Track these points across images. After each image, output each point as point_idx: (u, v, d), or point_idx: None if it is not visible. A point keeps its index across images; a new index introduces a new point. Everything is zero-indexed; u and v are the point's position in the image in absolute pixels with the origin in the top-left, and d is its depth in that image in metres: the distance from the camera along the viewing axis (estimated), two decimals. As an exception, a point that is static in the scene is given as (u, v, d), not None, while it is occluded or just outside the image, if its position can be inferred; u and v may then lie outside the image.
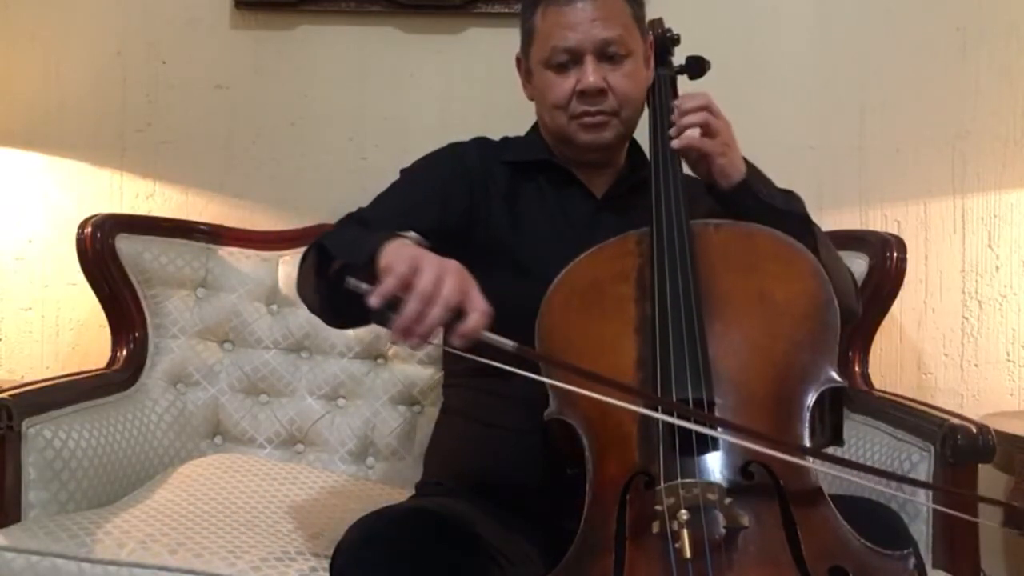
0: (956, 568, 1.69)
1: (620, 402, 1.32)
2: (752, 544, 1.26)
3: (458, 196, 1.70)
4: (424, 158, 1.79)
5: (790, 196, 1.70)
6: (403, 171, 1.79)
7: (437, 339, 1.25)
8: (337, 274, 1.37)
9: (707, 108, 1.62)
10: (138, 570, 1.69)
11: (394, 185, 1.76)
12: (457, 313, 1.23)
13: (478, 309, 1.23)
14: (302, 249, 2.26)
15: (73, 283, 2.40)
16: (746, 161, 1.66)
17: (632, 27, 1.68)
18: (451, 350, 1.24)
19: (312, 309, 1.57)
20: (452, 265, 1.26)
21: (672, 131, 1.63)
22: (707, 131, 1.61)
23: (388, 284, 1.22)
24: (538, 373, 1.37)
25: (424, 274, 1.23)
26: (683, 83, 1.81)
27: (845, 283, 1.68)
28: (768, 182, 1.69)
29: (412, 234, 1.39)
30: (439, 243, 1.62)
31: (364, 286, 1.22)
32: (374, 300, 1.22)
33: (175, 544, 1.72)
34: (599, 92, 1.64)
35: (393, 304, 1.22)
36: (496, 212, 1.71)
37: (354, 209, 2.20)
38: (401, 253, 1.28)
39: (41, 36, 2.50)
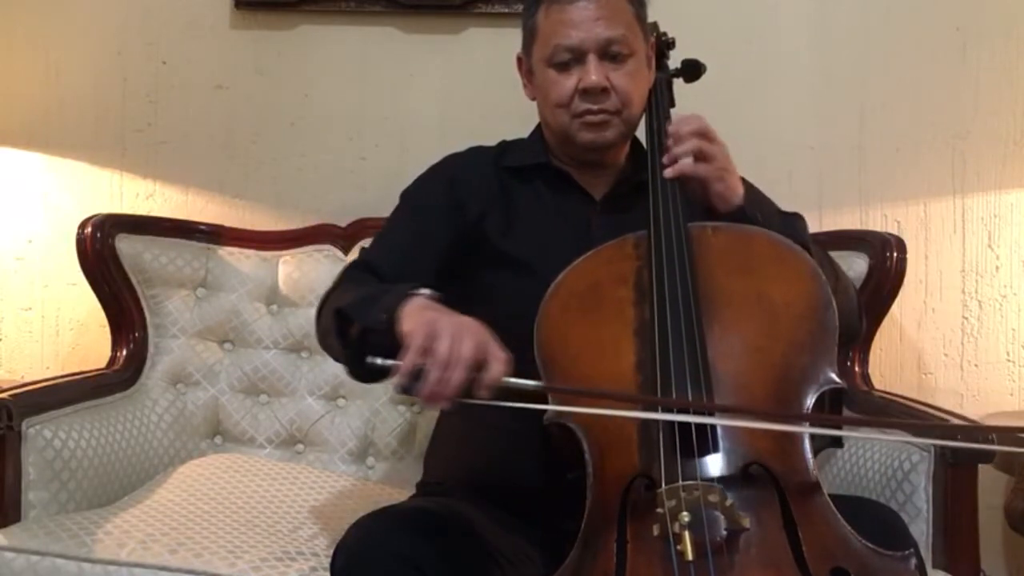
0: (956, 568, 1.69)
1: (626, 412, 1.33)
2: (754, 546, 1.26)
3: (457, 215, 1.72)
4: (420, 181, 1.80)
5: (792, 220, 1.69)
6: (403, 196, 1.80)
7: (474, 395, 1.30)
8: (359, 337, 1.43)
9: (700, 133, 1.59)
10: (138, 570, 1.69)
11: (394, 219, 1.79)
12: (478, 366, 1.27)
13: (498, 359, 1.28)
14: (302, 249, 2.31)
15: (73, 283, 2.40)
16: (747, 184, 1.65)
17: (635, 27, 1.67)
18: (480, 403, 1.28)
19: (340, 361, 1.60)
20: (467, 323, 1.30)
21: (665, 159, 1.60)
22: (701, 157, 1.58)
23: (408, 360, 1.27)
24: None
25: (442, 340, 1.27)
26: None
27: (848, 302, 1.66)
28: (768, 205, 1.67)
29: (425, 291, 1.42)
30: (450, 265, 1.68)
31: (388, 363, 1.28)
32: (398, 379, 1.27)
33: (175, 544, 1.72)
34: (602, 91, 1.64)
35: (417, 373, 1.27)
36: (494, 219, 1.71)
37: (354, 205, 2.20)
38: (418, 319, 1.32)
39: (41, 36, 2.49)
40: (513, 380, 1.29)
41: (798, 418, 1.39)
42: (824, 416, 1.43)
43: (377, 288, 1.50)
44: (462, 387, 1.26)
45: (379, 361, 1.29)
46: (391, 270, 1.63)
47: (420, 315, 1.33)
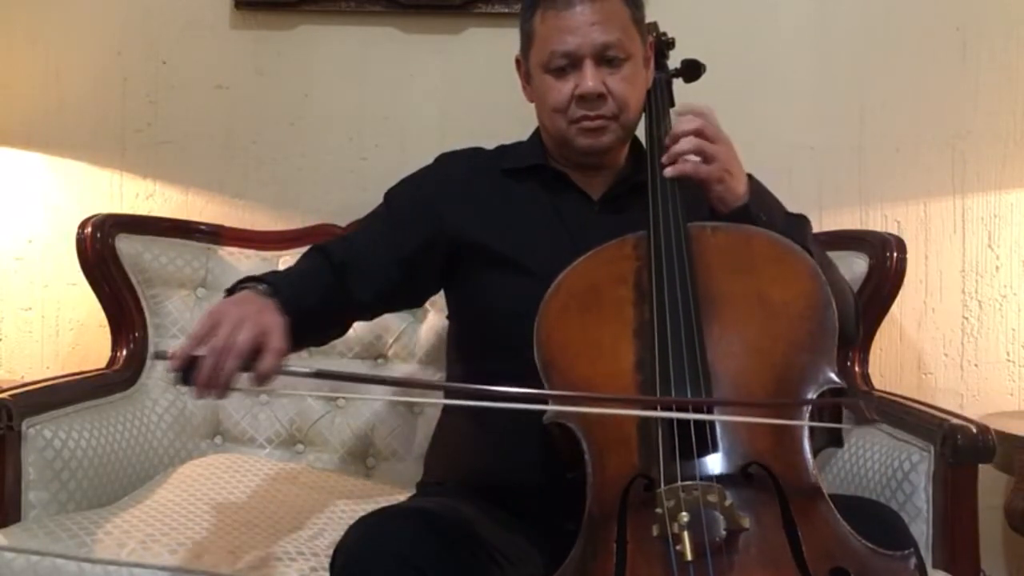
0: (956, 568, 1.69)
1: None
2: (753, 546, 1.26)
3: (433, 217, 1.71)
4: (404, 182, 1.80)
5: (796, 221, 1.68)
6: (385, 194, 1.80)
7: (241, 383, 1.33)
8: None
9: (701, 132, 1.57)
10: (138, 570, 1.69)
11: (368, 216, 1.80)
12: (254, 356, 1.31)
13: (271, 350, 1.31)
14: (302, 249, 2.28)
15: (73, 283, 2.40)
16: (755, 183, 1.64)
17: (631, 30, 1.66)
18: (257, 390, 1.31)
19: None
20: (252, 314, 1.34)
21: (664, 159, 1.59)
22: (701, 158, 1.57)
23: (184, 347, 1.31)
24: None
25: (220, 329, 1.31)
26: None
27: (845, 307, 1.63)
28: (774, 205, 1.66)
29: (262, 287, 1.48)
30: (418, 267, 1.70)
31: (166, 351, 1.33)
32: (171, 364, 1.31)
33: (175, 544, 1.72)
34: (598, 97, 1.63)
35: (193, 362, 1.30)
36: (489, 221, 1.71)
37: (354, 205, 2.20)
38: (212, 311, 1.37)
39: (41, 36, 2.49)
40: (291, 369, 1.33)
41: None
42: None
43: (257, 276, 1.56)
44: (232, 376, 1.29)
45: (161, 348, 1.33)
46: (346, 258, 1.66)
47: (219, 305, 1.38)
